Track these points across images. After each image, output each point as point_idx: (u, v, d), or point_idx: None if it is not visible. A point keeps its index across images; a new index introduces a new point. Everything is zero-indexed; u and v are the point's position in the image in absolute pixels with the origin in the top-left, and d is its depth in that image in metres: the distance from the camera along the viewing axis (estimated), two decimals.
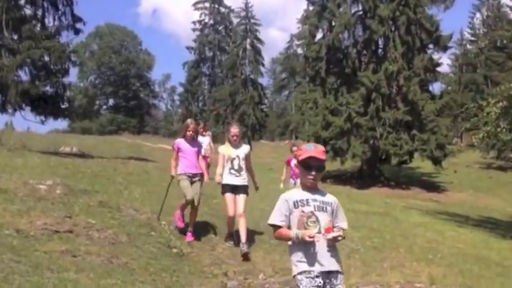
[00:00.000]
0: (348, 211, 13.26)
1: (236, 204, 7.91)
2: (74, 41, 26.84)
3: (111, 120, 78.95)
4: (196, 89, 75.15)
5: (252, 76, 65.36)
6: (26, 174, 9.98)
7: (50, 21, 25.59)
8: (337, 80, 35.49)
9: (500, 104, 15.77)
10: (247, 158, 8.13)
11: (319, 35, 37.03)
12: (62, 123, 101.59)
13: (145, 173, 14.36)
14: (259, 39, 66.93)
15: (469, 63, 58.61)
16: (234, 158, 7.98)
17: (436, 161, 33.06)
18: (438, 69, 36.17)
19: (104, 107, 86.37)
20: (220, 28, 76.06)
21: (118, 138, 50.00)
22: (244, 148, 8.22)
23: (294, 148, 10.95)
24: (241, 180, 8.04)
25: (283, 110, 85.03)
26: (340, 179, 33.47)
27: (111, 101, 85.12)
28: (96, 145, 32.43)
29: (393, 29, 33.68)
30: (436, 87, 71.86)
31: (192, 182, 8.14)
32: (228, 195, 7.96)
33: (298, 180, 8.34)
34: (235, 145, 8.10)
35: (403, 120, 31.93)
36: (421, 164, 36.63)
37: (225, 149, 8.08)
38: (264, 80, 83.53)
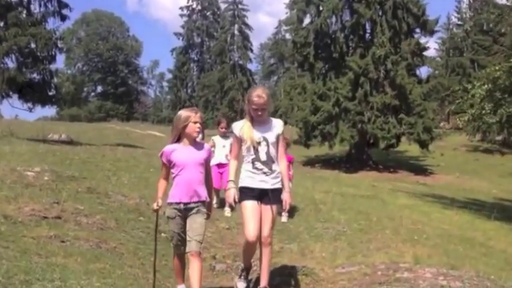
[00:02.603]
0: (336, 194, 13.41)
1: (262, 220, 5.00)
2: (60, 28, 26.82)
3: (100, 107, 78.60)
4: (185, 75, 74.93)
5: (240, 62, 65.29)
6: (13, 161, 9.96)
7: (35, 7, 25.51)
8: (325, 65, 35.51)
9: (485, 86, 15.91)
10: (279, 141, 5.14)
11: (307, 20, 36.97)
12: (50, 111, 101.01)
13: (133, 159, 14.36)
14: (247, 25, 66.80)
15: (456, 47, 58.81)
16: (258, 143, 5.01)
17: (423, 145, 33.31)
18: (425, 53, 36.28)
19: (92, 94, 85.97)
20: (208, 14, 75.72)
21: (107, 125, 49.87)
22: (276, 125, 5.13)
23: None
24: (272, 180, 5.04)
25: (272, 96, 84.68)
26: (328, 163, 33.68)
27: (99, 88, 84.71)
28: (85, 132, 32.34)
29: (380, 13, 33.68)
30: (423, 71, 72.03)
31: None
32: (250, 206, 4.99)
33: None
34: (260, 121, 5.05)
35: (391, 104, 32.08)
36: (409, 148, 36.90)
37: (244, 129, 5.06)
38: (253, 66, 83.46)
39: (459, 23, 61.57)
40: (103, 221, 6.97)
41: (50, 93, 25.44)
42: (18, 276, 4.29)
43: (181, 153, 4.68)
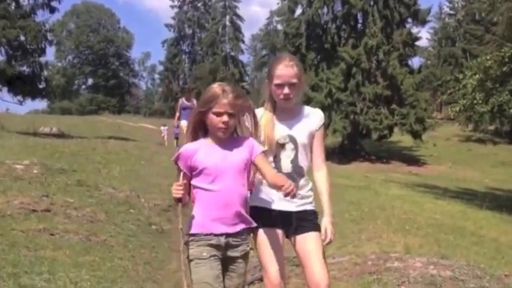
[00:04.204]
0: None
1: (305, 259, 3.17)
2: (50, 20, 26.67)
3: (91, 100, 78.25)
4: (177, 67, 74.66)
5: (232, 53, 65.16)
6: (2, 155, 9.89)
7: (24, 0, 25.26)
8: (317, 55, 35.50)
9: (477, 76, 15.94)
10: (315, 142, 3.35)
11: (298, 11, 36.95)
12: (41, 104, 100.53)
13: (124, 151, 14.30)
14: (238, 16, 66.61)
15: (448, 37, 58.90)
16: (281, 146, 3.24)
17: (416, 135, 33.41)
18: (417, 43, 36.39)
19: (83, 86, 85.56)
20: (199, 5, 75.33)
21: (98, 118, 49.68)
22: (311, 116, 3.35)
23: None
24: (300, 200, 3.24)
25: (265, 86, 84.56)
26: None
27: (90, 81, 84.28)
28: (76, 125, 32.19)
29: (372, 3, 33.67)
30: (416, 62, 72.21)
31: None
32: (269, 237, 3.16)
33: None
34: (287, 110, 3.30)
35: (383, 94, 32.13)
36: (401, 138, 37.00)
37: (261, 123, 3.21)
38: (245, 57, 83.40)
39: (451, 12, 61.68)
40: (93, 213, 6.93)
41: (40, 86, 25.31)
42: (6, 269, 4.26)
43: (210, 154, 2.88)
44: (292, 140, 3.24)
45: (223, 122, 2.82)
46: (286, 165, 3.22)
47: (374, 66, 33.11)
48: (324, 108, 32.51)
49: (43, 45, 24.97)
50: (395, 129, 34.22)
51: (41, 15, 25.64)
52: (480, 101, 15.89)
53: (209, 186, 2.85)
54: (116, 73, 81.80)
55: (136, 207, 7.87)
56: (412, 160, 33.84)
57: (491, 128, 38.50)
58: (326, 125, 27.97)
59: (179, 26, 74.38)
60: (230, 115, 2.82)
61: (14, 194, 6.90)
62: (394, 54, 32.30)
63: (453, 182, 23.81)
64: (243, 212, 2.91)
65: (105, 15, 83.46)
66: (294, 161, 3.24)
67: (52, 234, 5.76)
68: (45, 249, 5.11)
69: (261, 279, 5.25)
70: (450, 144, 40.38)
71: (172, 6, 74.70)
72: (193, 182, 2.90)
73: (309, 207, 3.26)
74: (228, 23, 65.53)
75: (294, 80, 3.18)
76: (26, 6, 25.10)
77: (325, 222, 3.25)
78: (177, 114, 13.85)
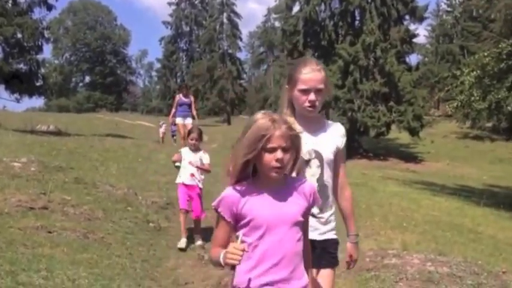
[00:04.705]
0: None
1: None
2: (47, 18, 26.56)
3: (88, 98, 78.21)
4: (174, 64, 74.61)
5: (229, 51, 65.00)
6: (0, 152, 9.86)
7: None
8: (315, 53, 35.47)
9: (474, 73, 15.94)
10: (338, 159, 3.04)
11: (296, 8, 36.96)
12: (39, 102, 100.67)
13: (122, 149, 14.29)
14: (236, 13, 66.45)
15: (446, 34, 58.92)
16: (306, 162, 2.88)
17: (413, 132, 33.43)
18: (415, 40, 36.34)
19: (81, 84, 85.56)
20: (196, 2, 75.24)
21: (95, 115, 49.61)
22: (335, 131, 3.06)
23: None
24: (325, 226, 2.99)
25: (262, 85, 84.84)
26: None
27: (87, 78, 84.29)
28: (74, 123, 32.12)
29: (369, 0, 33.66)
30: (413, 59, 72.09)
31: None
32: None
33: None
34: (311, 122, 2.96)
35: (381, 92, 32.15)
36: (399, 135, 37.03)
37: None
38: (242, 55, 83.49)
39: (448, 9, 61.68)
40: (90, 211, 6.92)
41: (37, 84, 25.26)
42: (4, 267, 4.26)
43: (261, 202, 2.29)
44: (318, 155, 2.88)
45: (278, 160, 2.21)
46: (312, 183, 2.67)
47: (371, 63, 33.12)
48: (321, 105, 32.60)
49: (40, 43, 24.93)
50: (393, 126, 34.25)
51: (38, 13, 25.71)
52: (478, 98, 15.90)
53: (258, 241, 2.27)
54: (113, 70, 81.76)
55: (134, 204, 7.87)
56: (410, 157, 33.88)
57: (489, 125, 38.54)
58: None
59: (176, 24, 74.30)
60: (285, 150, 2.23)
61: (12, 192, 6.88)
62: (391, 52, 32.31)
63: (451, 179, 23.84)
64: (298, 270, 2.32)
65: (102, 13, 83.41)
66: (320, 180, 2.88)
67: (50, 232, 5.75)
68: (42, 247, 5.11)
69: None
70: (448, 141, 40.43)
71: (169, 4, 74.66)
72: (241, 234, 2.29)
73: (332, 235, 2.98)
74: (225, 20, 65.40)
75: (321, 86, 2.86)
76: (23, 4, 25.05)
77: (350, 248, 3.12)
78: (173, 110, 13.49)
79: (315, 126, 2.94)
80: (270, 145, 2.20)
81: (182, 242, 6.58)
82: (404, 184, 17.95)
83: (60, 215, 6.48)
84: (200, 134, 6.90)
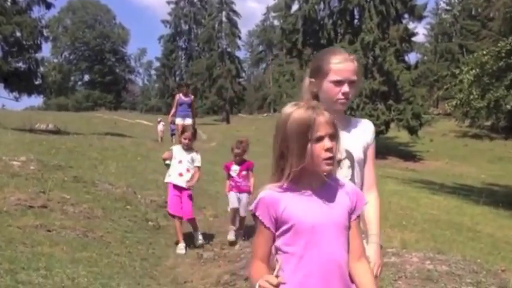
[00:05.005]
0: None
1: None
2: (45, 16, 26.55)
3: (87, 96, 78.18)
4: (173, 63, 74.62)
5: (228, 49, 64.98)
6: None
7: None
8: (314, 51, 35.42)
9: (473, 71, 15.94)
10: (368, 158, 2.77)
11: (295, 7, 36.96)
12: (38, 101, 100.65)
13: (121, 148, 14.28)
14: (235, 12, 66.42)
15: (445, 33, 58.98)
16: (338, 162, 2.33)
17: (412, 131, 33.47)
18: (414, 39, 36.39)
19: (79, 83, 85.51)
20: (195, 1, 75.26)
21: (94, 114, 49.60)
22: (364, 128, 2.80)
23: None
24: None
25: (260, 83, 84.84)
26: None
27: (86, 77, 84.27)
28: (72, 121, 32.10)
29: None
30: (412, 57, 72.34)
31: None
32: None
33: (244, 197, 6.80)
34: (340, 119, 2.33)
35: (380, 90, 32.16)
36: (398, 134, 37.04)
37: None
38: (241, 53, 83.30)
39: (447, 8, 61.74)
40: (90, 209, 6.92)
41: (36, 82, 25.28)
42: (3, 266, 4.26)
43: (305, 204, 1.95)
44: (349, 155, 2.60)
45: (328, 149, 1.89)
46: None
47: (370, 61, 33.14)
48: None
49: (39, 41, 24.95)
50: (392, 125, 34.27)
51: (37, 11, 25.69)
52: (476, 97, 15.89)
53: (304, 251, 1.91)
54: (112, 69, 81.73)
55: (133, 203, 7.87)
56: (409, 156, 33.91)
57: (488, 123, 38.54)
58: None
59: (175, 22, 74.29)
60: (332, 138, 1.92)
61: (11, 191, 6.88)
62: (390, 50, 32.34)
63: (450, 177, 23.86)
64: (348, 281, 1.96)
65: (101, 11, 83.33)
66: (351, 180, 2.48)
67: (49, 231, 5.75)
68: (42, 246, 5.11)
69: None
70: (447, 140, 40.46)
71: (168, 2, 74.69)
72: (278, 243, 1.96)
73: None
74: (224, 18, 65.36)
75: (355, 77, 2.56)
76: (22, 2, 25.05)
77: (372, 254, 2.51)
78: (173, 110, 13.00)
79: (343, 123, 2.57)
80: (317, 134, 1.89)
81: (181, 247, 6.38)
82: (403, 183, 17.97)
83: (59, 214, 6.48)
84: (194, 133, 6.77)
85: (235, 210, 6.77)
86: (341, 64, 2.51)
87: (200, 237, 6.68)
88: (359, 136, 2.69)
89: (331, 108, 2.29)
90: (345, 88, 2.51)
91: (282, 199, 1.92)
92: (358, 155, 2.63)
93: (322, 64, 2.55)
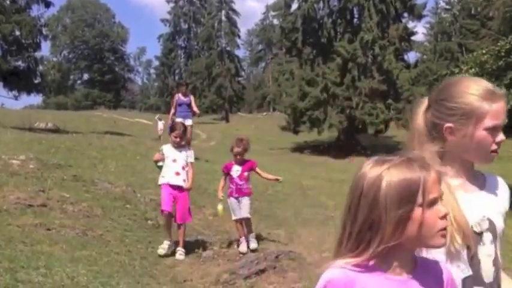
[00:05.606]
0: (324, 180, 13.43)
1: None
2: (45, 15, 26.55)
3: (86, 95, 78.19)
4: (172, 62, 74.56)
5: (228, 48, 64.99)
6: None
7: None
8: (313, 50, 35.45)
9: (473, 70, 15.95)
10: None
11: (294, 6, 36.87)
12: (37, 99, 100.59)
13: (120, 147, 14.26)
14: (234, 11, 66.43)
15: (444, 32, 58.96)
16: (479, 235, 1.81)
17: None
18: (413, 38, 36.33)
19: (79, 81, 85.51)
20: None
21: (94, 113, 49.59)
22: (498, 192, 2.00)
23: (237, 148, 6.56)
24: None
25: (260, 82, 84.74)
26: (317, 149, 33.71)
27: (85, 76, 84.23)
28: (72, 120, 32.12)
29: None
30: (411, 56, 72.28)
31: None
32: None
33: (245, 199, 6.39)
34: (474, 178, 1.98)
35: (379, 89, 32.14)
36: (397, 133, 37.00)
37: (447, 203, 1.52)
38: (241, 52, 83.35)
39: (447, 7, 61.67)
40: (89, 208, 6.92)
41: (36, 81, 25.31)
42: (3, 264, 4.26)
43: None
44: (492, 226, 1.85)
45: (443, 217, 1.40)
46: (489, 269, 1.81)
47: (370, 60, 33.12)
48: (319, 103, 32.78)
49: (38, 40, 24.96)
50: (391, 124, 34.25)
51: (36, 10, 25.66)
52: None
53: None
54: (112, 68, 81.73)
55: (133, 202, 7.87)
56: None
57: None
58: (322, 120, 27.80)
59: (175, 21, 74.22)
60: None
61: (10, 189, 6.88)
62: (390, 49, 32.32)
63: None
64: None
65: (101, 10, 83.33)
66: (496, 261, 1.83)
67: (48, 229, 5.76)
68: (41, 244, 5.11)
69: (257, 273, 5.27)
70: None
71: (168, 1, 74.59)
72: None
73: None
74: (223, 17, 65.36)
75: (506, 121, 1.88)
76: (21, 1, 25.05)
77: None
78: (172, 110, 12.67)
79: (478, 183, 1.97)
80: (430, 196, 1.38)
81: (163, 247, 6.08)
82: None
83: (59, 213, 6.48)
84: (185, 130, 6.56)
85: (238, 220, 6.48)
86: (499, 104, 1.82)
87: (181, 255, 6.12)
88: (500, 200, 1.97)
89: (467, 162, 1.94)
90: (501, 136, 1.88)
91: (359, 285, 1.38)
92: (500, 224, 1.89)
93: (474, 103, 1.80)
